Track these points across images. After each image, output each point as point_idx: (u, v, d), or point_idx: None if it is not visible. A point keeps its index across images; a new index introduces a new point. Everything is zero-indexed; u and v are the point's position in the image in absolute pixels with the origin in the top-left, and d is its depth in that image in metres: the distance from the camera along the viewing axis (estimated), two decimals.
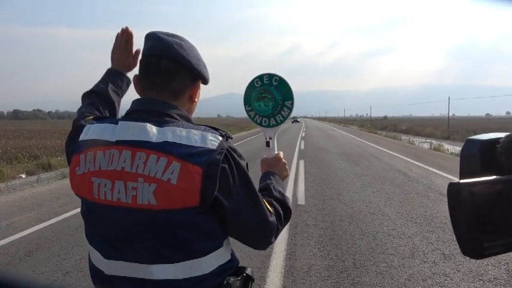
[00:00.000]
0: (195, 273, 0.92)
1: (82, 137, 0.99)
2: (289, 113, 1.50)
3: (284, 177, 1.34)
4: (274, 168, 1.32)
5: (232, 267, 1.01)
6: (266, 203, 1.04)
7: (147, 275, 0.91)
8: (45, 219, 5.63)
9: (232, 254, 1.03)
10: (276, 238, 1.07)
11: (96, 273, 0.98)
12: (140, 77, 1.05)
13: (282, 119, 1.51)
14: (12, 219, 5.79)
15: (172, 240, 0.90)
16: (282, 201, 1.12)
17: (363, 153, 15.25)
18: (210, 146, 0.90)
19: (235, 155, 0.95)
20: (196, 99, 1.09)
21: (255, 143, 19.52)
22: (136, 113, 0.99)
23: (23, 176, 11.33)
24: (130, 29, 1.30)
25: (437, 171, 10.18)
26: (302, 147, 17.79)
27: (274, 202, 1.10)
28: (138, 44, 1.29)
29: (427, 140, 24.18)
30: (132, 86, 1.30)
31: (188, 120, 1.01)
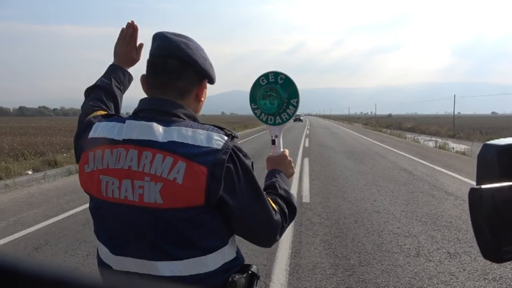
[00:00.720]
0: (201, 271, 0.94)
1: (91, 135, 1.01)
2: (295, 111, 1.51)
3: (290, 175, 1.35)
4: (280, 166, 1.34)
5: (238, 264, 1.03)
6: (271, 201, 1.06)
7: (154, 272, 0.92)
8: (52, 216, 5.68)
9: (238, 252, 1.05)
10: (280, 236, 1.08)
11: (104, 268, 1.00)
12: (147, 77, 1.06)
13: (288, 117, 1.52)
14: (20, 215, 5.86)
15: (178, 238, 0.92)
16: (287, 199, 1.14)
17: (367, 151, 15.21)
18: (215, 146, 0.92)
19: (241, 155, 0.96)
20: (202, 99, 1.10)
21: (259, 141, 19.54)
22: (143, 112, 1.00)
23: (30, 172, 11.42)
24: (135, 23, 1.31)
25: (442, 169, 10.14)
26: (307, 145, 17.78)
27: (279, 200, 1.11)
28: (143, 42, 1.30)
29: (432, 138, 24.08)
30: (134, 84, 1.32)
31: (194, 119, 1.02)
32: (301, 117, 73.07)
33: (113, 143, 0.94)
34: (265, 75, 1.50)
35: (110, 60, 1.36)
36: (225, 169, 0.91)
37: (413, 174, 9.28)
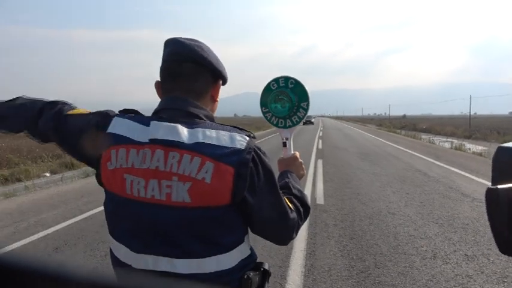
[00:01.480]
0: (220, 268, 0.96)
1: (110, 130, 1.00)
2: (305, 114, 1.55)
3: (301, 176, 1.39)
4: (291, 168, 1.38)
5: (252, 262, 1.05)
6: (287, 200, 1.09)
7: (175, 269, 0.94)
8: (70, 217, 5.81)
9: (251, 249, 1.07)
10: (296, 234, 1.11)
11: (122, 269, 1.00)
12: (162, 82, 1.08)
13: (298, 120, 1.56)
14: (40, 216, 6.01)
15: (202, 236, 0.95)
16: (301, 199, 1.17)
17: (381, 152, 15.08)
18: (239, 146, 0.95)
19: (261, 154, 1.00)
20: (217, 99, 1.14)
21: (272, 142, 19.54)
22: (165, 112, 1.02)
23: (48, 174, 11.67)
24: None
25: (458, 171, 9.99)
26: (320, 146, 17.72)
27: (293, 199, 1.15)
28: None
29: (448, 139, 23.71)
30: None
31: (212, 120, 1.05)
32: (313, 120, 64.79)
33: (137, 143, 0.95)
34: (276, 80, 1.55)
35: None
36: (249, 168, 0.95)
37: (429, 176, 9.16)
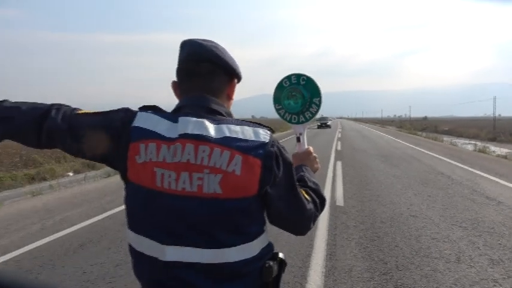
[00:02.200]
0: (244, 256, 1.00)
1: (136, 123, 1.01)
2: (318, 110, 1.60)
3: (315, 169, 1.44)
4: (306, 162, 1.42)
5: (270, 251, 1.09)
6: (303, 192, 1.14)
7: (203, 259, 0.97)
8: (94, 215, 5.97)
9: (269, 240, 1.11)
10: (313, 224, 1.17)
11: (147, 262, 1.00)
12: (180, 82, 1.12)
13: (311, 115, 1.62)
14: (64, 214, 6.19)
15: (231, 226, 0.98)
16: (317, 191, 1.22)
17: (402, 154, 14.84)
18: (263, 140, 1.00)
19: (281, 148, 1.05)
20: (232, 97, 1.18)
21: (292, 143, 19.51)
22: (187, 109, 1.04)
23: (71, 174, 12.00)
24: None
25: (483, 174, 9.74)
26: (339, 148, 17.57)
27: (309, 191, 1.19)
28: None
29: (471, 142, 23.12)
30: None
31: (231, 116, 1.09)
32: (329, 122, 52.30)
33: (168, 139, 0.98)
34: (288, 77, 1.62)
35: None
36: (274, 161, 1.00)
37: (452, 178, 8.97)
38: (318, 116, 1.68)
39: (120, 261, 3.95)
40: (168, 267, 0.97)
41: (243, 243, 1.00)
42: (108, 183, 9.38)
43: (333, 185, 8.17)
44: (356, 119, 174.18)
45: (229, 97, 1.16)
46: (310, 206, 1.13)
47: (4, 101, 1.10)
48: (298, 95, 1.58)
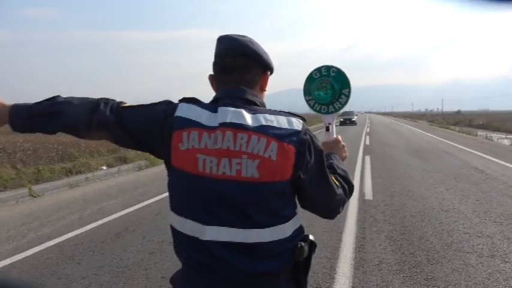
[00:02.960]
0: (281, 237, 1.07)
1: (178, 113, 1.08)
2: (347, 100, 1.66)
3: (343, 158, 1.51)
4: (335, 150, 1.50)
5: (301, 233, 1.17)
6: (333, 178, 1.21)
7: (240, 239, 1.05)
8: (129, 206, 6.22)
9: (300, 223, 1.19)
10: (343, 208, 1.24)
11: (188, 242, 1.07)
12: (216, 75, 1.20)
13: (340, 106, 1.68)
14: (101, 204, 6.48)
15: (267, 208, 1.06)
16: (345, 177, 1.29)
17: (433, 149, 14.46)
18: (296, 128, 1.08)
19: (313, 135, 1.12)
20: (265, 88, 1.25)
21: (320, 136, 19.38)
22: (225, 99, 1.12)
23: (104, 167, 12.47)
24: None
25: None
26: (367, 142, 17.32)
27: (338, 177, 1.26)
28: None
29: (508, 136, 22.16)
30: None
31: (265, 107, 1.18)
32: (354, 118, 40.64)
33: (209, 128, 1.06)
34: (318, 69, 1.68)
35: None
36: (307, 147, 1.08)
37: (486, 173, 8.68)
38: (342, 110, 1.74)
39: (154, 249, 4.13)
40: (206, 246, 1.05)
41: (278, 224, 1.07)
42: (140, 176, 9.71)
43: (362, 179, 8.10)
44: (385, 114, 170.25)
45: (263, 88, 1.24)
46: (339, 191, 1.20)
47: (57, 96, 1.19)
48: (328, 86, 1.64)
